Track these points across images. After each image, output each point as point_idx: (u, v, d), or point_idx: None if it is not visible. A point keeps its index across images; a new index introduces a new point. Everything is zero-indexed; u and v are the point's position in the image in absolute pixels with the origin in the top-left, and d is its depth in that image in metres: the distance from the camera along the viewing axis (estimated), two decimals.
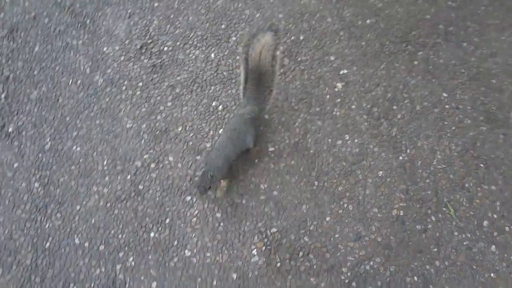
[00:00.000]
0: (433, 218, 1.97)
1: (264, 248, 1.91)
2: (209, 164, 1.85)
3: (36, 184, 2.08)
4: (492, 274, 1.90)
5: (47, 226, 2.00)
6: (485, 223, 1.96)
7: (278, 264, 1.89)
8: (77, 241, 1.96)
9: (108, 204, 2.01)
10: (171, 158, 2.07)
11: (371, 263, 1.89)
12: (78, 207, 2.02)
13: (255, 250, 1.91)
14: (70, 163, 2.11)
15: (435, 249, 1.92)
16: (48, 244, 1.96)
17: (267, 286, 1.85)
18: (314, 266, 1.88)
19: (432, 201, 2.00)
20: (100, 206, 2.01)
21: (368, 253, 1.91)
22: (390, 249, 1.92)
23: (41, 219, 2.01)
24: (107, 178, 2.06)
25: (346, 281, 1.87)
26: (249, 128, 1.96)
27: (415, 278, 1.88)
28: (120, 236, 1.95)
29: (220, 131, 2.11)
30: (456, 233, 1.95)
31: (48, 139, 2.18)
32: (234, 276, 1.87)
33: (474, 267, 1.90)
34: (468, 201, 1.99)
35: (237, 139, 1.91)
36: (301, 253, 1.90)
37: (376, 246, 1.92)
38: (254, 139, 1.97)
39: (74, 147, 2.15)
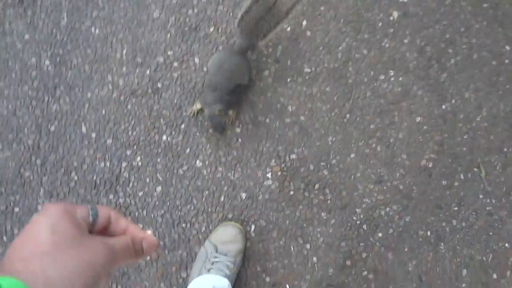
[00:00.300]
0: (461, 176, 1.83)
1: (279, 173, 1.79)
2: (209, 105, 1.67)
3: (47, 62, 1.90)
4: (506, 244, 1.80)
5: (54, 108, 1.85)
6: None
7: (291, 193, 1.77)
8: (84, 130, 1.82)
9: (122, 97, 1.85)
10: (196, 60, 1.87)
11: (387, 209, 1.79)
12: (89, 95, 1.86)
13: (270, 173, 1.79)
14: (86, 45, 1.91)
15: (456, 208, 1.81)
16: (53, 128, 1.83)
17: (276, 211, 1.76)
18: (328, 202, 1.78)
19: (465, 159, 1.84)
20: (113, 97, 1.85)
21: (386, 199, 1.79)
22: (409, 199, 1.80)
23: (48, 100, 1.86)
24: (124, 69, 1.88)
25: (358, 222, 1.77)
26: (242, 64, 1.72)
27: (428, 233, 1.78)
28: (130, 133, 1.81)
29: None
30: (481, 196, 1.82)
31: (65, 14, 1.95)
32: (243, 195, 1.77)
33: (491, 233, 1.80)
34: (502, 167, 1.84)
35: (230, 75, 1.67)
36: (317, 186, 1.79)
37: (396, 193, 1.80)
38: (248, 76, 1.75)
39: (93, 29, 1.93)
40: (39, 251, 0.44)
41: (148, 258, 1.70)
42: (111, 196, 1.75)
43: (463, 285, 1.76)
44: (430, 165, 1.83)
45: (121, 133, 1.81)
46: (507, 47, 1.95)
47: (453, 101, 1.89)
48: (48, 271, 0.43)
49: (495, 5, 1.99)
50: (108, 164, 1.78)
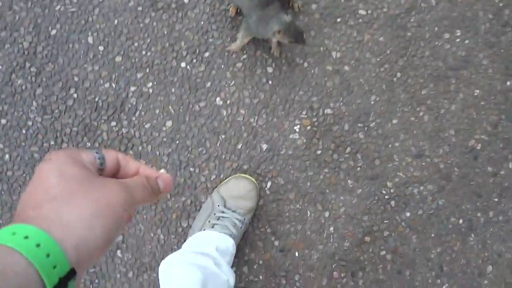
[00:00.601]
0: (510, 165, 1.60)
1: (309, 127, 1.54)
2: (261, 29, 1.37)
3: None
4: None
5: (58, 8, 1.54)
6: None
7: (319, 152, 1.54)
8: (90, 40, 1.53)
9: (140, 8, 1.54)
10: None
11: (421, 188, 1.57)
12: None
13: (299, 126, 1.54)
14: None
15: (496, 199, 1.59)
16: (54, 32, 1.53)
17: (298, 170, 1.53)
18: (358, 169, 1.55)
19: None
20: (129, 6, 1.54)
21: (423, 176, 1.57)
22: (448, 180, 1.58)
23: None
24: None
25: (386, 197, 1.56)
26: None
27: (460, 221, 1.58)
28: (144, 52, 1.53)
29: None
30: None
31: None
32: (264, 146, 1.53)
33: None
34: None
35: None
36: (348, 149, 1.55)
37: (435, 172, 1.58)
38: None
39: None
40: (50, 197, 0.42)
41: (169, 195, 1.49)
42: (113, 123, 1.51)
43: (485, 281, 1.59)
44: (479, 147, 1.59)
45: (133, 51, 1.53)
46: None
47: None
48: (63, 215, 0.41)
49: None
50: (114, 85, 1.52)
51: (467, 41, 1.60)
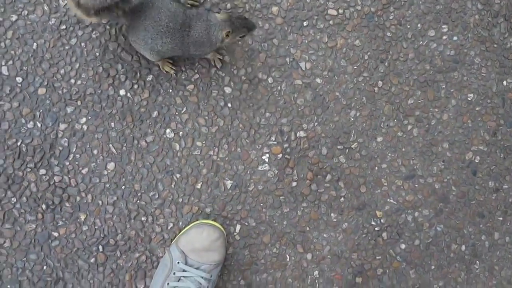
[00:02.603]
0: None
1: (280, 155, 1.25)
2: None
3: None
4: None
5: None
6: None
7: (294, 184, 1.25)
8: (5, 71, 1.19)
9: (63, 27, 1.21)
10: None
11: (416, 214, 1.30)
12: (14, 18, 1.20)
13: (268, 155, 1.24)
14: None
15: (501, 218, 1.34)
16: None
17: (270, 208, 1.24)
18: (342, 199, 1.27)
19: None
20: (49, 25, 1.21)
21: (417, 200, 1.30)
22: (446, 202, 1.31)
23: None
24: None
25: (377, 228, 1.28)
26: None
27: (463, 247, 1.32)
28: (73, 81, 1.20)
29: None
30: None
31: None
32: (228, 183, 1.23)
33: None
34: None
35: None
36: (329, 177, 1.26)
37: (430, 194, 1.30)
38: None
39: None
40: None
41: (93, 260, 1.18)
42: (42, 171, 1.19)
43: None
44: (477, 159, 1.33)
45: (59, 81, 1.20)
46: None
47: None
48: None
49: None
50: (39, 124, 1.19)
51: (455, 38, 1.32)
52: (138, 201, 1.20)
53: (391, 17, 1.30)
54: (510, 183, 1.34)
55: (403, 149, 1.30)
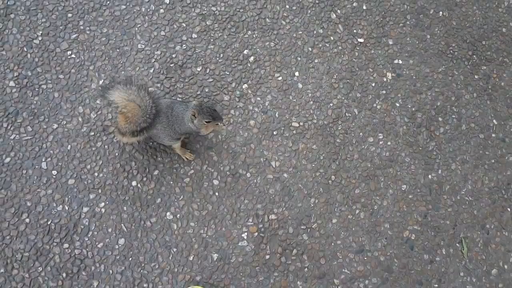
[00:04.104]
0: (443, 251, 1.64)
1: (256, 234, 1.54)
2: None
3: (12, 83, 1.59)
4: None
5: (12, 137, 1.54)
6: (494, 271, 1.64)
7: (267, 257, 1.52)
8: (44, 165, 1.51)
9: (92, 133, 1.56)
10: (179, 99, 1.61)
11: (366, 282, 1.56)
12: (55, 126, 1.56)
13: (246, 233, 1.53)
14: (59, 70, 1.62)
15: (436, 285, 1.61)
16: (8, 160, 1.51)
17: (248, 277, 1.50)
18: (305, 269, 1.54)
19: (448, 233, 1.66)
20: (81, 132, 1.56)
21: (367, 270, 1.57)
22: (390, 272, 1.59)
23: (7, 127, 1.54)
24: (98, 102, 1.59)
25: None
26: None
27: None
28: (96, 174, 1.52)
29: (245, 86, 1.66)
30: (462, 274, 1.63)
31: (40, 33, 1.66)
32: (215, 256, 1.50)
33: None
34: (484, 244, 1.67)
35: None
36: (295, 251, 1.54)
37: (377, 265, 1.58)
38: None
39: (69, 52, 1.64)
40: None
41: None
42: (65, 245, 1.45)
43: None
44: (413, 237, 1.63)
45: (86, 174, 1.52)
46: (495, 121, 1.80)
47: (440, 171, 1.71)
48: None
49: (487, 77, 1.85)
50: (66, 207, 1.48)
51: (389, 143, 1.71)
52: (141, 270, 1.45)
53: (339, 128, 1.69)
54: (441, 256, 1.63)
55: (353, 229, 1.60)
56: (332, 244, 1.57)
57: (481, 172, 1.74)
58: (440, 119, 1.77)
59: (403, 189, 1.67)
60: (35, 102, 1.57)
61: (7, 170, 1.50)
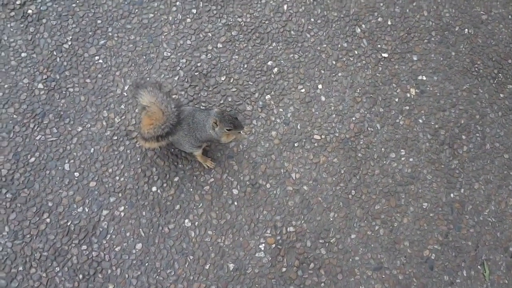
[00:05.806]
0: (464, 273, 1.56)
1: (274, 245, 1.49)
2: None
3: (40, 86, 1.59)
4: None
5: (38, 137, 1.53)
6: None
7: (284, 269, 1.47)
8: (67, 167, 1.50)
9: (115, 137, 1.54)
10: (202, 107, 1.59)
11: None
12: (79, 129, 1.55)
13: (264, 245, 1.49)
14: (86, 74, 1.62)
15: None
16: (33, 160, 1.50)
17: None
18: (322, 284, 1.48)
19: (469, 254, 1.58)
20: (105, 135, 1.54)
21: None
22: None
23: (34, 127, 1.54)
24: (123, 107, 1.58)
25: None
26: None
27: None
28: (117, 178, 1.50)
29: (267, 96, 1.63)
30: None
31: (70, 38, 1.66)
32: (231, 266, 1.45)
33: None
34: (506, 267, 1.58)
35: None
36: (312, 265, 1.49)
37: (395, 284, 1.51)
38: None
39: (96, 57, 1.64)
40: None
41: None
42: (83, 247, 1.42)
43: None
44: (433, 256, 1.56)
45: (107, 177, 1.49)
46: None
47: (462, 190, 1.64)
48: None
49: None
50: (87, 209, 1.46)
51: (411, 159, 1.65)
52: (157, 276, 1.41)
53: (361, 142, 1.64)
54: (461, 278, 1.55)
55: (372, 245, 1.54)
56: (350, 260, 1.51)
57: (505, 193, 1.66)
58: (463, 137, 1.70)
59: (424, 207, 1.60)
60: (61, 104, 1.57)
61: (31, 170, 1.49)
